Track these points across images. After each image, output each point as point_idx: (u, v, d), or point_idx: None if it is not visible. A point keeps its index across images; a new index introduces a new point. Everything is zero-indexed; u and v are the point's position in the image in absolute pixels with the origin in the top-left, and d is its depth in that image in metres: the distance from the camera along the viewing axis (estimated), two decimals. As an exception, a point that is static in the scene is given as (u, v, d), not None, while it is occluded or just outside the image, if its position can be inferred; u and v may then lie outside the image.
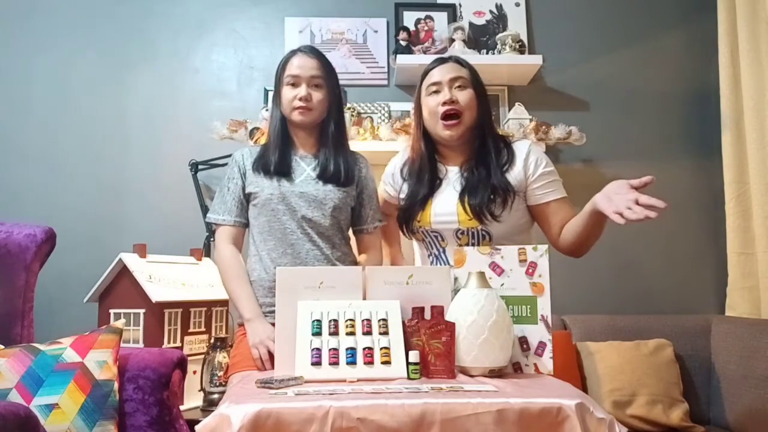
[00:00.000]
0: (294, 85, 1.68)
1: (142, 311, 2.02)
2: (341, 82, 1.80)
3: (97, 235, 2.60)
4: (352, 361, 1.28)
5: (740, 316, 2.51)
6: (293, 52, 1.72)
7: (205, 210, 2.49)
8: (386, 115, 2.66)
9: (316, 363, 1.28)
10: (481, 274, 1.36)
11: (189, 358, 1.84)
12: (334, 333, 1.33)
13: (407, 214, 1.72)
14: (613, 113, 2.78)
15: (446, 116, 1.64)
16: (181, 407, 1.78)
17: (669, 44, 2.83)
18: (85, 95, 2.72)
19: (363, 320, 1.35)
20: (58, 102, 2.72)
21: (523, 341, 1.40)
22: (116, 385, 1.56)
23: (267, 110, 2.46)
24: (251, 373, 1.46)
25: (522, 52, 2.68)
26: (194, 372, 2.07)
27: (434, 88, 1.67)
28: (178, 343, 2.07)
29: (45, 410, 1.44)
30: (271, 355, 1.50)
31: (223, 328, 2.26)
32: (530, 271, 1.43)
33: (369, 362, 1.29)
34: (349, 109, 2.56)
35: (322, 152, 1.72)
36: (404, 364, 1.29)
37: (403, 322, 1.35)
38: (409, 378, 1.27)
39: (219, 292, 2.11)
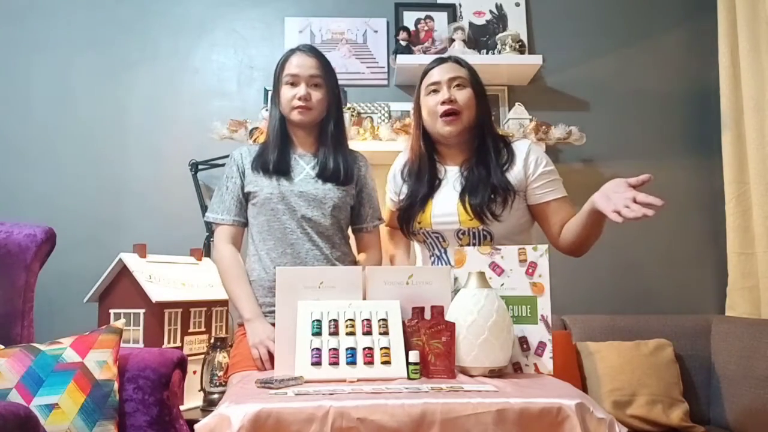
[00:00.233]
0: (293, 84, 1.68)
1: (142, 311, 2.02)
2: (341, 82, 1.80)
3: (97, 235, 2.60)
4: (352, 361, 1.28)
5: (740, 316, 2.51)
6: (292, 51, 1.72)
7: (205, 210, 2.48)
8: (386, 115, 2.66)
9: (316, 363, 1.28)
10: (481, 274, 1.36)
11: (189, 358, 1.84)
12: (334, 333, 1.33)
13: (407, 214, 1.72)
14: (613, 113, 2.78)
15: (445, 115, 1.64)
16: (181, 407, 1.78)
17: (669, 44, 2.83)
18: (85, 95, 2.72)
19: (363, 320, 1.35)
20: (58, 102, 2.72)
21: (523, 341, 1.40)
22: (116, 385, 1.56)
23: (267, 110, 2.46)
24: (251, 373, 1.46)
25: (522, 52, 2.68)
26: (194, 372, 2.07)
27: (433, 88, 1.68)
28: (178, 343, 2.07)
29: (45, 410, 1.44)
30: (271, 355, 1.50)
31: (223, 328, 2.26)
32: (530, 271, 1.43)
33: (369, 362, 1.28)
34: (349, 109, 2.56)
35: (321, 151, 1.72)
36: (404, 364, 1.29)
37: (403, 322, 1.35)
38: (409, 378, 1.27)
39: (219, 292, 2.11)
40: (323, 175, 1.68)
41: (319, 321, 1.34)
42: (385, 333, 1.33)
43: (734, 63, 2.61)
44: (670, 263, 2.72)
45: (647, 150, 2.75)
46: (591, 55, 2.82)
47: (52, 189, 2.66)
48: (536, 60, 2.64)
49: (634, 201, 1.32)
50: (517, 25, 2.80)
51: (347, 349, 1.30)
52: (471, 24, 2.82)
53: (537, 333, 1.40)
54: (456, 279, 1.46)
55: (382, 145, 2.50)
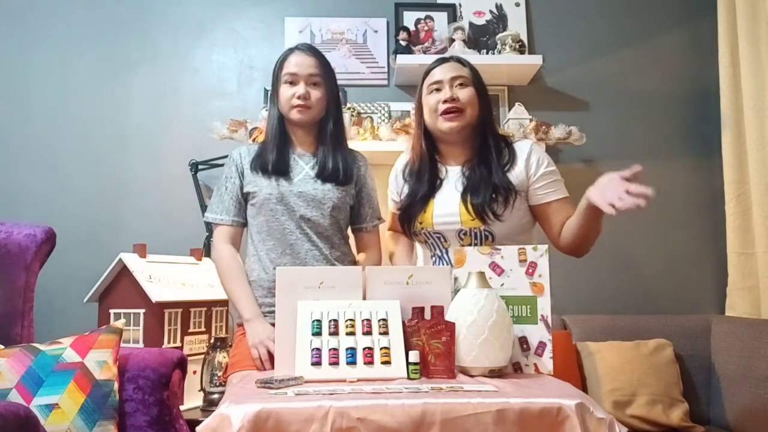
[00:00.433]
0: (292, 83, 1.67)
1: (142, 311, 2.02)
2: (341, 82, 1.80)
3: (97, 235, 2.60)
4: (352, 361, 1.28)
5: (740, 316, 2.51)
6: (291, 50, 1.71)
7: (205, 210, 2.48)
8: (386, 115, 2.66)
9: (316, 363, 1.28)
10: (481, 274, 1.36)
11: (189, 358, 1.84)
12: (334, 333, 1.33)
13: (408, 213, 1.71)
14: (613, 113, 2.78)
15: (446, 113, 1.65)
16: (181, 407, 1.78)
17: (669, 44, 2.83)
18: (84, 95, 2.72)
19: (363, 320, 1.35)
20: (57, 102, 2.72)
21: (523, 341, 1.40)
22: (116, 385, 1.56)
23: (267, 110, 2.46)
24: (251, 373, 1.46)
25: (522, 52, 2.68)
26: (194, 372, 2.07)
27: (435, 87, 1.68)
28: (178, 343, 2.07)
29: (45, 410, 1.44)
30: (270, 355, 1.50)
31: (223, 328, 2.26)
32: (530, 271, 1.43)
33: (369, 362, 1.28)
34: (349, 109, 2.56)
35: (320, 150, 1.71)
36: (404, 364, 1.29)
37: (403, 322, 1.35)
38: (409, 378, 1.27)
39: (219, 292, 2.10)
40: (322, 175, 1.68)
41: (319, 321, 1.34)
42: (385, 333, 1.33)
43: (734, 63, 2.61)
44: (670, 263, 2.72)
45: (647, 150, 2.75)
46: (591, 55, 2.82)
47: (52, 189, 2.66)
48: (536, 60, 2.63)
49: (628, 193, 1.33)
50: (517, 25, 2.80)
51: (347, 349, 1.30)
52: (471, 24, 2.82)
53: (537, 333, 1.40)
54: (456, 279, 1.46)
55: (382, 145, 2.50)
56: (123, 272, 2.06)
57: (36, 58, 2.74)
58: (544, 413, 1.08)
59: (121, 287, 2.07)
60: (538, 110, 2.67)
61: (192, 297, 2.14)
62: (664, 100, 2.80)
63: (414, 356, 1.28)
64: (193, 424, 1.26)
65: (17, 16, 2.75)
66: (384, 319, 1.35)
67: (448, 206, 1.66)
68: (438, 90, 1.67)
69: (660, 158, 2.72)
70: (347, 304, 1.37)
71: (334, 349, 1.30)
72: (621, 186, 1.37)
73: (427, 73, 1.72)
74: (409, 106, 2.67)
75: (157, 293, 2.00)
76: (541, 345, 1.39)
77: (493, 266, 1.45)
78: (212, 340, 2.12)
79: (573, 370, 2.26)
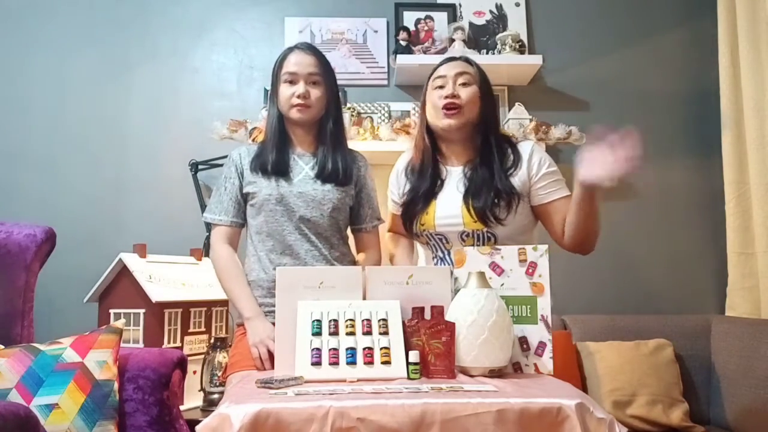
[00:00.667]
0: (291, 82, 1.67)
1: (142, 311, 2.02)
2: (341, 82, 1.80)
3: (97, 235, 2.60)
4: (352, 361, 1.28)
5: (740, 316, 2.51)
6: (290, 50, 1.71)
7: (204, 210, 2.49)
8: (386, 115, 2.66)
9: (316, 363, 1.28)
10: (481, 274, 1.36)
11: (189, 358, 1.84)
12: (334, 333, 1.33)
13: (409, 211, 1.71)
14: (613, 113, 2.78)
15: (446, 108, 1.65)
16: (181, 407, 1.78)
17: (669, 44, 2.83)
18: (84, 95, 2.72)
19: (363, 320, 1.35)
20: (57, 102, 2.72)
21: (523, 341, 1.40)
22: (116, 385, 1.56)
23: (267, 110, 2.46)
24: (251, 373, 1.46)
25: (522, 52, 2.68)
26: (194, 372, 2.07)
27: (439, 83, 1.68)
28: (178, 343, 2.07)
29: (45, 410, 1.44)
30: (270, 355, 1.49)
31: (223, 328, 2.26)
32: (530, 271, 1.43)
33: (369, 362, 1.28)
34: (349, 109, 2.56)
35: (320, 150, 1.71)
36: (404, 364, 1.29)
37: (403, 322, 1.35)
38: (409, 378, 1.27)
39: (219, 292, 2.09)
40: (322, 175, 1.68)
41: (319, 321, 1.34)
42: (385, 333, 1.33)
43: (734, 63, 2.61)
44: (670, 263, 2.72)
45: (647, 150, 2.73)
46: (591, 55, 2.82)
47: (52, 189, 2.65)
48: (536, 60, 2.63)
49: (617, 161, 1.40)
50: (517, 25, 2.80)
51: (347, 349, 1.30)
52: (471, 24, 2.81)
53: (537, 333, 1.40)
54: (456, 279, 1.46)
55: (382, 145, 2.50)
56: (123, 272, 2.06)
57: (35, 57, 2.74)
58: (544, 413, 1.08)
59: (121, 287, 2.07)
60: (538, 110, 2.67)
61: (192, 297, 2.14)
62: (664, 100, 2.80)
63: (414, 356, 1.28)
64: (193, 424, 1.26)
65: (17, 15, 2.75)
66: (384, 319, 1.35)
67: (450, 208, 1.65)
68: (441, 86, 1.67)
69: (660, 158, 2.72)
70: (347, 304, 1.37)
71: (334, 349, 1.30)
72: (607, 155, 1.42)
73: (434, 71, 1.73)
74: (409, 106, 2.67)
75: (157, 293, 2.00)
76: (541, 345, 1.39)
77: (493, 266, 1.45)
78: (212, 340, 2.12)
79: (573, 370, 2.26)
